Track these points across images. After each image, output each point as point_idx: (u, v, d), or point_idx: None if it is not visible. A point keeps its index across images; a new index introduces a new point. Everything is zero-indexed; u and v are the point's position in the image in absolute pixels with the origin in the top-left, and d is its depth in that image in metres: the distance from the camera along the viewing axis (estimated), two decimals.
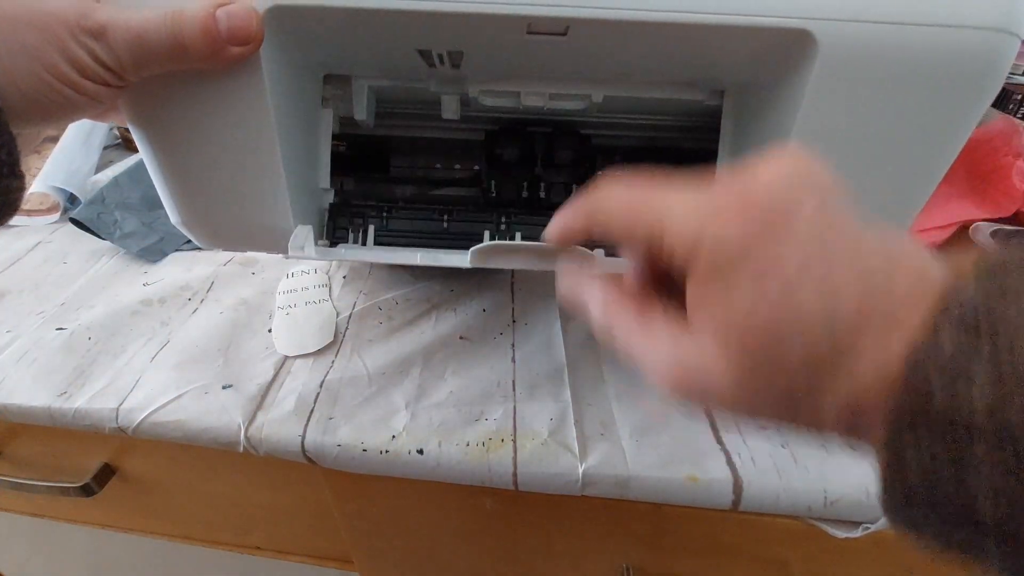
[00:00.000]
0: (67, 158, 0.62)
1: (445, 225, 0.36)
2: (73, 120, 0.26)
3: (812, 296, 0.15)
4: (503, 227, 0.36)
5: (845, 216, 0.17)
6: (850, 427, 0.16)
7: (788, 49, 0.25)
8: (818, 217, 0.16)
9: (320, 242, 0.36)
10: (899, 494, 0.15)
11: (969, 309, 0.14)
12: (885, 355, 0.15)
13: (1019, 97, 0.68)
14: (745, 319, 0.16)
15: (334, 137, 0.35)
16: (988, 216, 0.53)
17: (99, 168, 0.66)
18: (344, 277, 0.49)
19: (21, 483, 0.46)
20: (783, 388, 0.16)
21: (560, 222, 0.22)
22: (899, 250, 0.16)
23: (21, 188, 0.24)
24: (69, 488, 0.44)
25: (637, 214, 0.19)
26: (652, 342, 0.19)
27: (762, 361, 0.16)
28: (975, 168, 0.56)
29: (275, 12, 0.25)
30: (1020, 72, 0.70)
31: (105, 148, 0.70)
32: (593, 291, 0.22)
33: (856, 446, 0.17)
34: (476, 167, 0.39)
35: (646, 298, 0.21)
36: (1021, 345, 0.13)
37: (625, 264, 0.24)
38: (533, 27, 0.25)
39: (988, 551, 0.14)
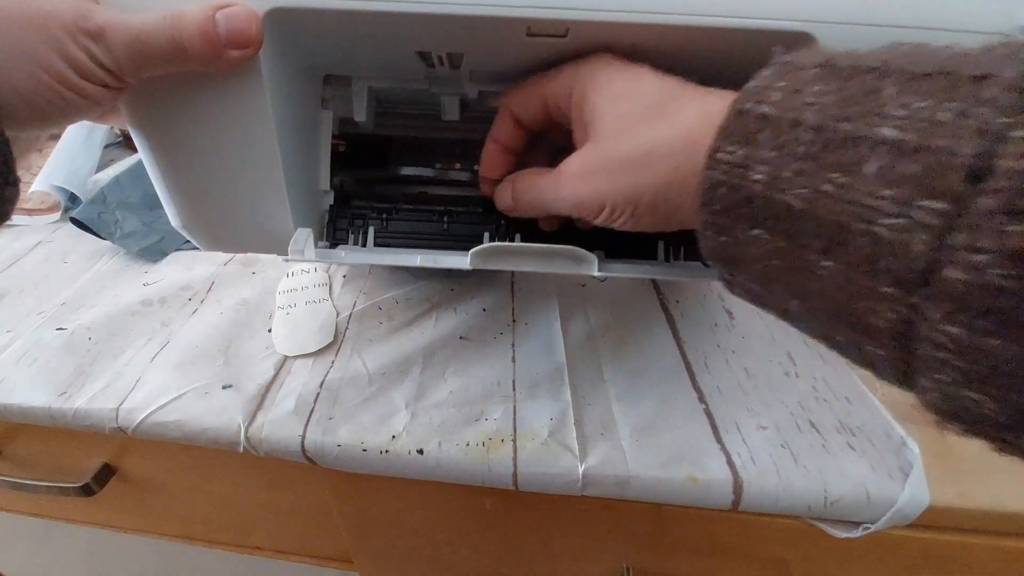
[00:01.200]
0: (68, 157, 0.62)
1: (445, 226, 0.36)
2: (71, 123, 0.26)
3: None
4: (503, 228, 0.36)
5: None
6: (678, 170, 0.22)
7: (789, 51, 0.25)
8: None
9: (320, 244, 0.36)
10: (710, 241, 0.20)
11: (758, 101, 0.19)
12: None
13: None
14: (602, 123, 0.25)
15: (334, 136, 0.35)
16: None
17: (100, 167, 0.66)
18: (344, 277, 0.49)
19: (21, 483, 0.46)
20: (625, 153, 0.23)
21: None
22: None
23: (16, 196, 0.24)
24: (69, 488, 0.44)
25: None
26: (552, 172, 0.27)
27: (613, 136, 0.24)
28: None
29: (274, 15, 0.25)
30: None
31: (106, 147, 0.70)
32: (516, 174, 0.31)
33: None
34: (476, 167, 0.39)
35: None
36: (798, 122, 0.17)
37: (628, 268, 0.30)
38: (533, 29, 0.25)
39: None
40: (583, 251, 0.30)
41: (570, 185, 0.25)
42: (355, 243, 0.36)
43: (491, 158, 0.32)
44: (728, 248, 0.20)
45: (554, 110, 0.28)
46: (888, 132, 0.15)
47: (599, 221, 0.25)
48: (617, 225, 0.25)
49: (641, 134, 0.23)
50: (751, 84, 0.20)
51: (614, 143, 0.24)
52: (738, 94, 0.20)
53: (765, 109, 0.18)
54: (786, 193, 0.17)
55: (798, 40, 0.24)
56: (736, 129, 0.19)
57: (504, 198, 0.31)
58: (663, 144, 0.22)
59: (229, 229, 0.33)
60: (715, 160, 0.19)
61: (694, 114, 0.22)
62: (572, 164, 0.26)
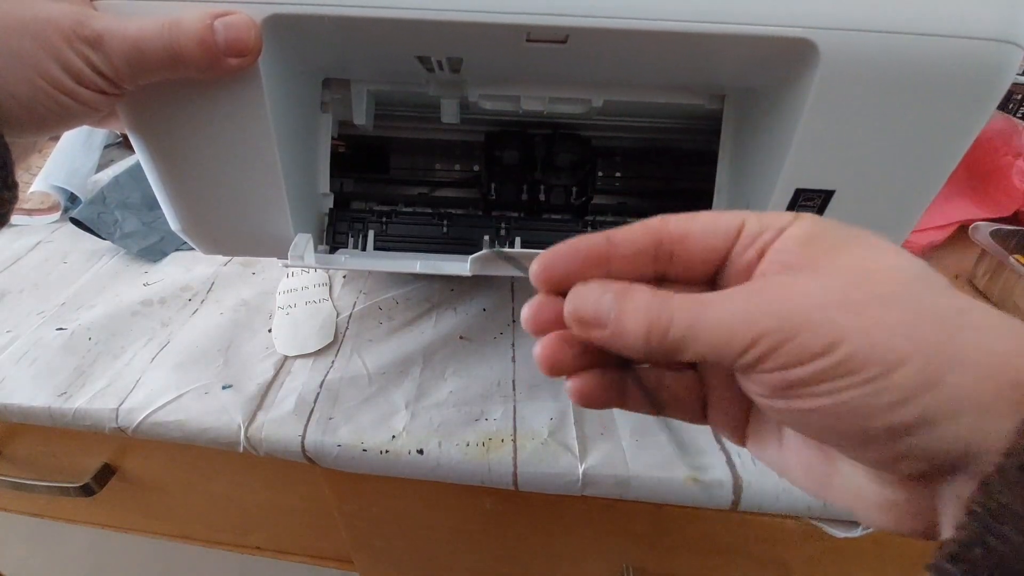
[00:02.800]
0: (68, 157, 0.62)
1: (444, 230, 0.36)
2: (69, 128, 0.26)
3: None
4: (502, 232, 0.36)
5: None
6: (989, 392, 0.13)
7: (790, 58, 0.25)
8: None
9: (320, 247, 0.36)
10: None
11: None
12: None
13: (1019, 97, 0.68)
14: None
15: (333, 137, 0.35)
16: (988, 216, 0.53)
17: (100, 167, 0.66)
18: (344, 277, 0.49)
19: (21, 483, 0.46)
20: (929, 305, 0.14)
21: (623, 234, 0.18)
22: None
23: (14, 199, 0.24)
24: (69, 488, 0.44)
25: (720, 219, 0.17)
26: (728, 295, 0.15)
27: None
28: (975, 168, 0.56)
29: (273, 21, 0.24)
30: (1020, 72, 0.70)
31: (106, 147, 0.70)
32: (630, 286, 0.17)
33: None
34: (476, 168, 0.39)
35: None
36: None
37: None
38: (532, 35, 0.25)
39: None
40: None
41: (763, 303, 0.15)
42: (355, 246, 0.36)
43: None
44: None
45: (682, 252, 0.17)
46: None
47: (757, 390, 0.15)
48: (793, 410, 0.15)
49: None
50: None
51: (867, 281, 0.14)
52: None
53: None
54: None
55: (799, 47, 0.24)
56: None
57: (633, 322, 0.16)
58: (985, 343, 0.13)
59: (229, 233, 0.33)
60: None
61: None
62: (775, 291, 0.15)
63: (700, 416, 0.20)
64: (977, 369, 0.13)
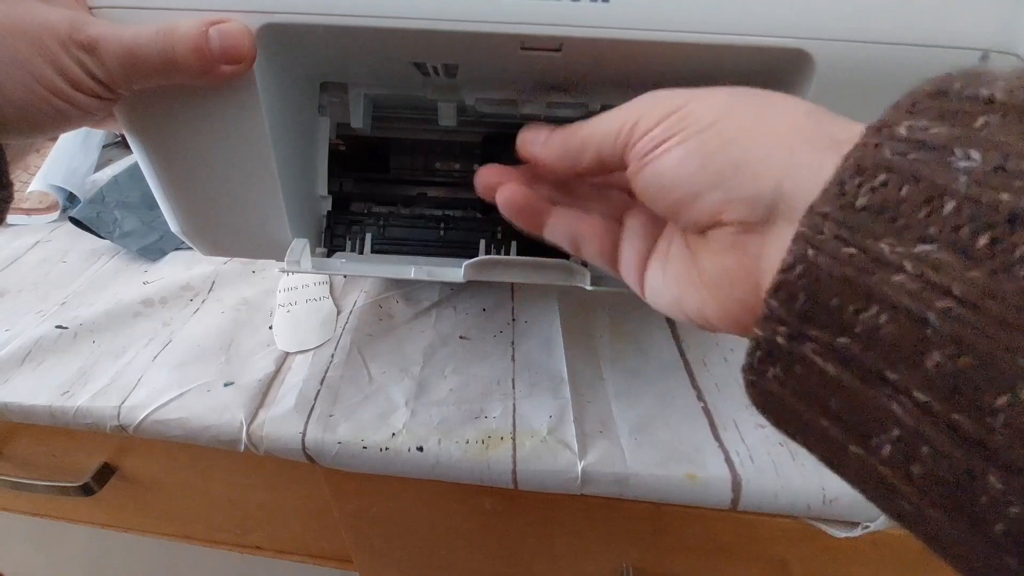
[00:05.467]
0: (66, 157, 0.62)
1: (442, 233, 0.36)
2: (64, 132, 0.26)
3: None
4: (499, 237, 0.36)
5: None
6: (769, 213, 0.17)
7: (784, 68, 0.25)
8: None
9: (318, 250, 0.36)
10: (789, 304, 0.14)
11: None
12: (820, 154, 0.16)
13: None
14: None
15: (333, 139, 0.35)
16: None
17: (98, 167, 0.66)
18: (344, 275, 0.49)
19: (21, 483, 0.46)
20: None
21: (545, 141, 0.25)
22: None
23: (8, 199, 0.24)
24: (69, 488, 0.44)
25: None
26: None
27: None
28: None
29: (268, 29, 0.25)
30: None
31: (104, 147, 0.70)
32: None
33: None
34: (476, 168, 0.39)
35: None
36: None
37: (621, 282, 0.26)
38: (527, 44, 0.25)
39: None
40: (576, 264, 0.30)
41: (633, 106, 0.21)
42: (352, 249, 0.36)
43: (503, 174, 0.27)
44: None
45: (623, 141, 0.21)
46: None
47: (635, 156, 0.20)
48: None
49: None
50: None
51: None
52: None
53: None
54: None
55: (793, 58, 0.24)
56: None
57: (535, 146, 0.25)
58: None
59: (227, 235, 0.33)
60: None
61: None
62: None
63: (611, 260, 0.25)
64: (787, 122, 0.17)
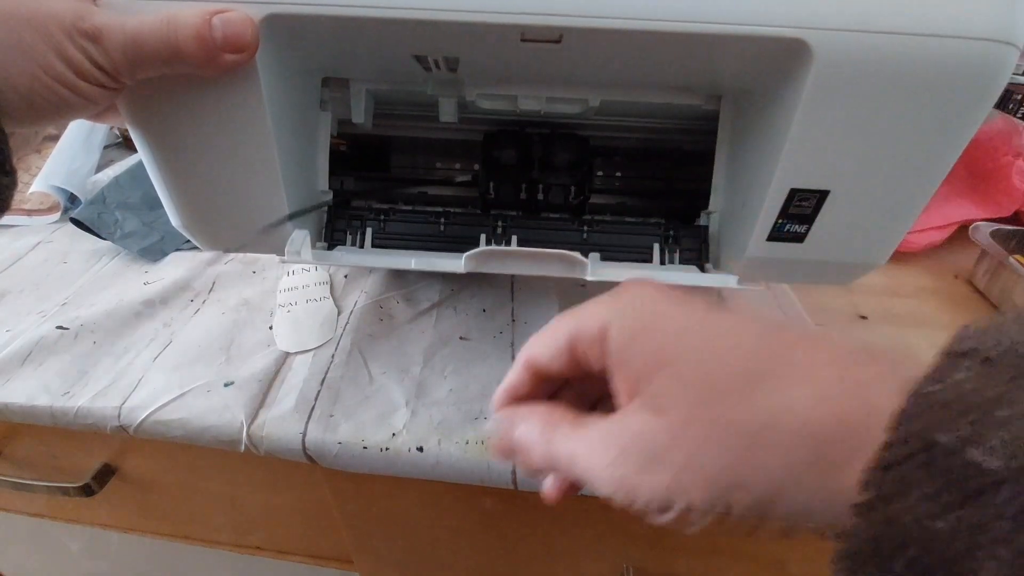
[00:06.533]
0: (67, 158, 0.62)
1: (442, 228, 0.36)
2: (68, 120, 0.27)
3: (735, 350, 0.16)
4: (499, 231, 0.36)
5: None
6: (813, 465, 0.14)
7: (783, 58, 0.25)
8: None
9: (319, 244, 0.36)
10: (870, 553, 0.13)
11: (984, 342, 0.13)
12: (854, 385, 0.14)
13: (1019, 97, 0.68)
14: (667, 376, 0.17)
15: (334, 136, 0.35)
16: (988, 216, 0.53)
17: (99, 168, 0.66)
18: (345, 276, 0.49)
19: (21, 483, 0.46)
20: (726, 423, 0.15)
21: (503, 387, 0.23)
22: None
23: (12, 186, 0.24)
24: (69, 488, 0.44)
25: (556, 345, 0.21)
26: (588, 433, 0.19)
27: (694, 401, 0.16)
28: (975, 168, 0.56)
29: (271, 20, 0.25)
30: (1020, 72, 0.70)
31: (105, 147, 0.70)
32: (530, 414, 0.21)
33: (821, 511, 0.15)
34: (476, 166, 0.39)
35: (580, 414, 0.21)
36: None
37: (623, 272, 0.25)
38: (527, 35, 0.25)
39: None
40: (577, 255, 0.30)
41: (615, 470, 0.17)
42: (353, 244, 0.36)
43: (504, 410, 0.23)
44: None
45: (583, 359, 0.20)
46: None
47: (660, 520, 0.17)
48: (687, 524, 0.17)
49: (743, 402, 0.15)
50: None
51: (693, 412, 0.16)
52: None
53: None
54: None
55: (792, 47, 0.24)
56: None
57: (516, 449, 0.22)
58: (790, 416, 0.15)
59: (228, 229, 0.33)
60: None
61: (832, 379, 0.15)
62: (617, 437, 0.17)
63: None
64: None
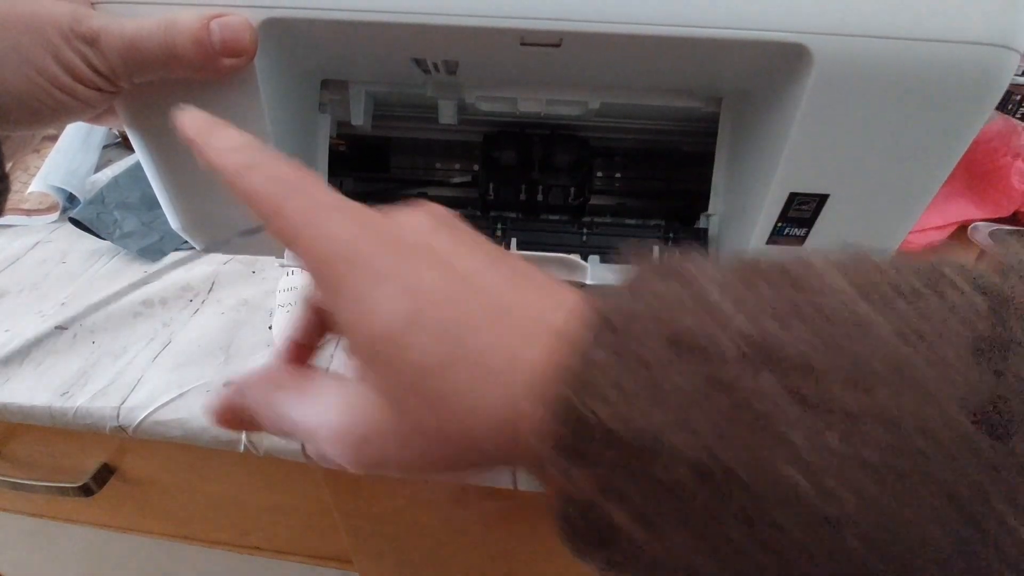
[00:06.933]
0: (66, 158, 0.62)
1: None
2: (66, 124, 0.27)
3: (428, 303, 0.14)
4: (499, 233, 0.36)
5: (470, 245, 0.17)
6: (512, 456, 0.14)
7: (784, 62, 0.25)
8: (435, 239, 0.16)
9: None
10: (564, 521, 0.14)
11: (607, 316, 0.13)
12: (526, 370, 0.14)
13: (1019, 97, 0.68)
14: (369, 336, 0.14)
15: (333, 137, 0.35)
16: (987, 216, 0.53)
17: (98, 168, 0.66)
18: None
19: (21, 483, 0.46)
20: (434, 430, 0.14)
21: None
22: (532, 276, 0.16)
23: (6, 191, 0.24)
24: (68, 488, 0.44)
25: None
26: (317, 399, 0.17)
27: (396, 384, 0.14)
28: (974, 168, 0.56)
29: (269, 24, 0.25)
30: (1020, 72, 0.70)
31: (104, 147, 0.69)
32: (251, 378, 0.19)
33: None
34: (475, 168, 0.39)
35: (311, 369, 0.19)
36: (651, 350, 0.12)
37: (616, 272, 0.24)
38: (527, 39, 0.25)
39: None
40: (576, 258, 0.30)
41: (338, 457, 0.16)
42: None
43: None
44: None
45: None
46: None
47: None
48: None
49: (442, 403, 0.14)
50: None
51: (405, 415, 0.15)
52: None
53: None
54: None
55: (792, 51, 0.24)
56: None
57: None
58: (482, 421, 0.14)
59: (226, 230, 0.33)
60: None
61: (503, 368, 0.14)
62: (343, 432, 0.16)
63: None
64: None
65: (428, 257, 0.15)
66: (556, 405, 0.13)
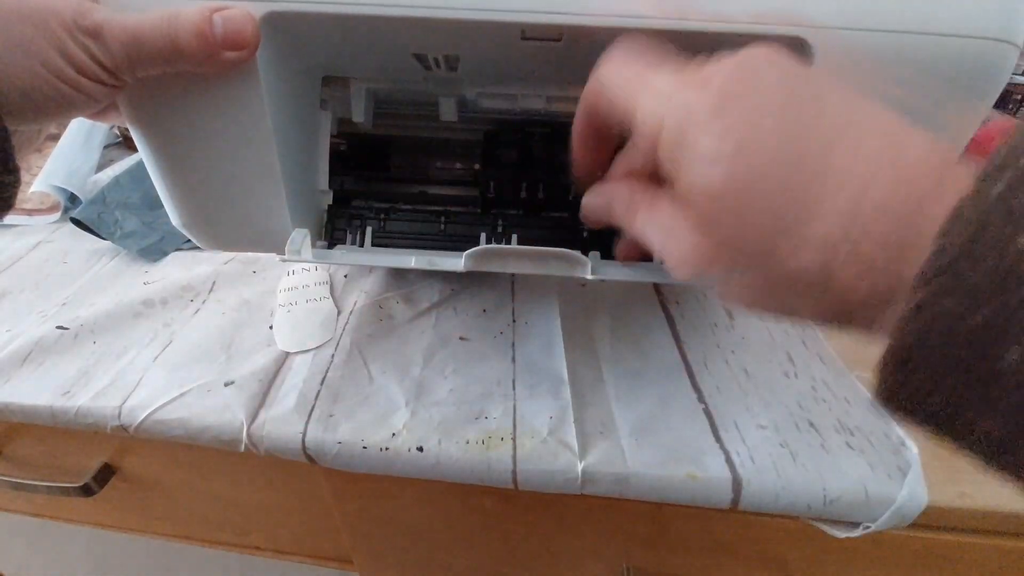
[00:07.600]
0: (68, 157, 0.62)
1: (442, 227, 0.36)
2: (68, 118, 0.27)
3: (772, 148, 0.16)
4: (500, 230, 0.36)
5: (820, 89, 0.18)
6: (844, 268, 0.16)
7: None
8: (781, 85, 0.17)
9: (319, 243, 0.36)
10: (909, 349, 0.14)
11: None
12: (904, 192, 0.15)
13: (1019, 97, 0.68)
14: (702, 181, 0.17)
15: (334, 135, 0.35)
16: None
17: (100, 167, 0.66)
18: (345, 276, 0.49)
19: (21, 483, 0.46)
20: (758, 231, 0.16)
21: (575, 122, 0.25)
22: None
23: (16, 183, 0.25)
24: (69, 488, 0.44)
25: (618, 97, 0.21)
26: (659, 227, 0.21)
27: (723, 209, 0.17)
28: None
29: (271, 18, 0.25)
30: (1020, 72, 0.70)
31: (106, 147, 0.70)
32: (619, 190, 0.24)
33: (855, 312, 0.16)
34: (476, 166, 0.39)
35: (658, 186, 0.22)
36: None
37: (624, 272, 0.26)
38: (527, 33, 0.25)
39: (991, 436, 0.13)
40: (577, 254, 0.30)
41: (685, 273, 0.19)
42: (353, 243, 0.36)
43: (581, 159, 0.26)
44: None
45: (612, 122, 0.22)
46: None
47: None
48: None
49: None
50: None
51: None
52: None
53: None
54: None
55: (793, 45, 0.24)
56: None
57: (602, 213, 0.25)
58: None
59: (228, 228, 0.33)
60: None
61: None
62: (688, 239, 0.19)
63: None
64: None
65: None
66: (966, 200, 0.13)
